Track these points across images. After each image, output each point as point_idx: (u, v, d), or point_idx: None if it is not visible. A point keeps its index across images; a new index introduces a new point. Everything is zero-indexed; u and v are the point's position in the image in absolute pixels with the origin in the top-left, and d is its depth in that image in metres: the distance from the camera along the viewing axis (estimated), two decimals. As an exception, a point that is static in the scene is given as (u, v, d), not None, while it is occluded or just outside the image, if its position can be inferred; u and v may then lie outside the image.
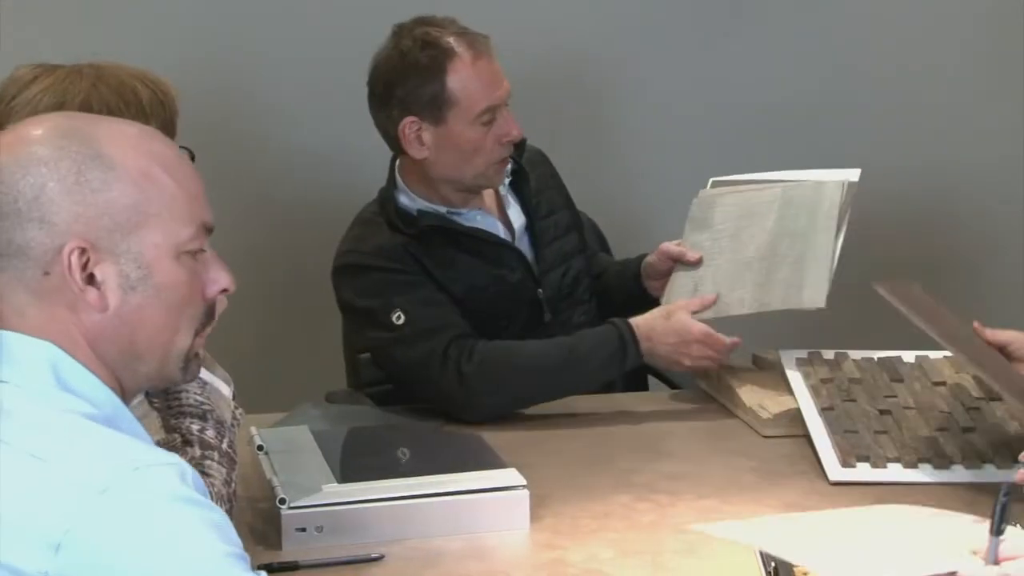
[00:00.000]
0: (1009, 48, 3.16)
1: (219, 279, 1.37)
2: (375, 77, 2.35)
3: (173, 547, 1.18)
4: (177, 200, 1.32)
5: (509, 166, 2.44)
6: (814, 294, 2.21)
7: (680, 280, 2.35)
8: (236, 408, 1.73)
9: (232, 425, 1.70)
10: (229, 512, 1.62)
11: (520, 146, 2.49)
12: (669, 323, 2.23)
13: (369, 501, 1.75)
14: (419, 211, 2.37)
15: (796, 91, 3.15)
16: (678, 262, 2.37)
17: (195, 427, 1.64)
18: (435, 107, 2.29)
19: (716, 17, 3.13)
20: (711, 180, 2.50)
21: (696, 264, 2.34)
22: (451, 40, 2.30)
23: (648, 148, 3.19)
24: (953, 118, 3.17)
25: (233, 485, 1.64)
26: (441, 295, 2.30)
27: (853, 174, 2.36)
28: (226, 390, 1.72)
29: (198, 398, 1.67)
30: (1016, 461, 1.90)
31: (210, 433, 1.65)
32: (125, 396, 1.34)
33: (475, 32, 2.34)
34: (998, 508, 1.37)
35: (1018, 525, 1.38)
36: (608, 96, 3.17)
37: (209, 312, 1.38)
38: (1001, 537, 1.38)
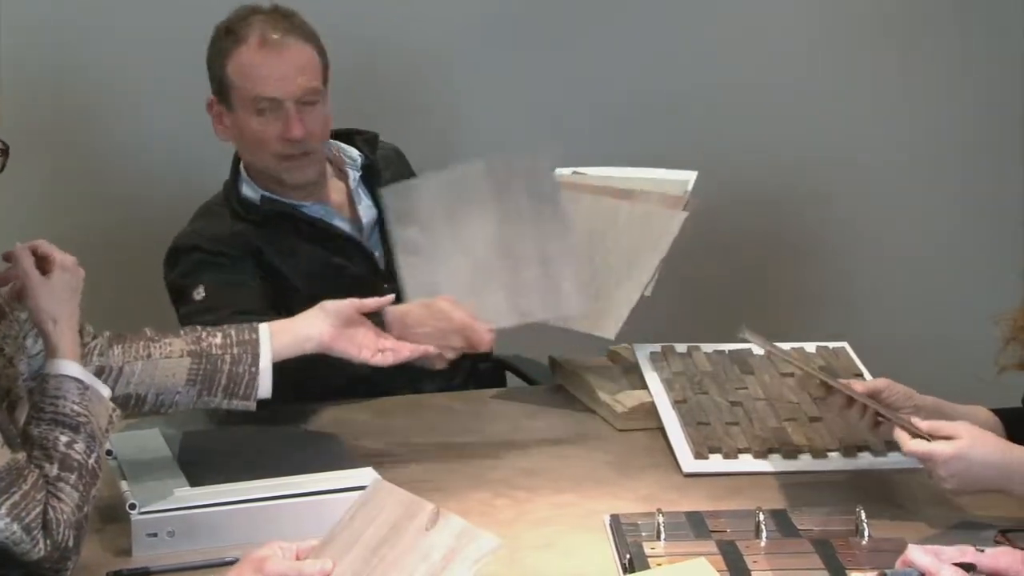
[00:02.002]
0: (854, 49, 3.25)
1: None
2: None
3: None
4: None
5: (360, 160, 2.44)
6: (603, 324, 2.18)
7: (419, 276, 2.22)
8: (113, 410, 1.69)
9: (107, 430, 1.66)
10: (79, 536, 1.58)
11: (373, 142, 2.48)
12: (429, 310, 2.08)
13: (222, 504, 1.72)
14: (262, 197, 2.37)
15: (645, 90, 3.18)
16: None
17: (63, 439, 1.60)
18: (223, 90, 2.33)
19: (566, 14, 3.15)
20: (571, 170, 2.49)
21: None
22: (251, 27, 2.30)
23: (497, 147, 3.19)
24: (799, 116, 3.25)
25: (87, 508, 1.60)
26: (256, 283, 2.28)
27: (690, 175, 2.36)
28: (105, 391, 1.68)
29: (75, 407, 1.62)
30: (860, 450, 1.97)
31: (79, 448, 1.60)
32: None
33: (291, 26, 2.32)
34: None
35: None
36: (458, 95, 3.16)
37: None
38: None
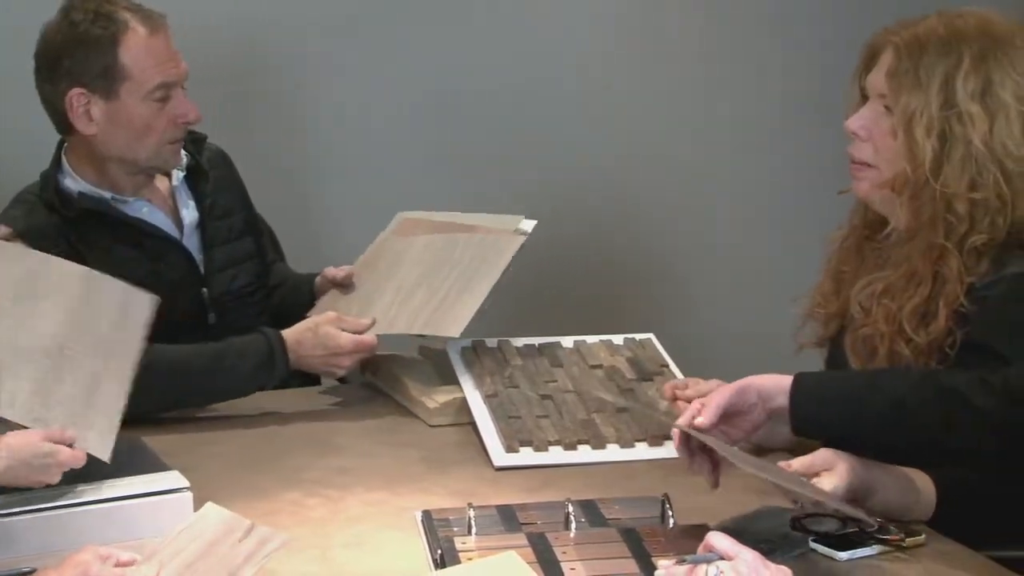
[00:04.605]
0: (660, 48, 3.33)
1: None
2: (43, 49, 2.30)
3: None
4: None
5: (185, 160, 2.40)
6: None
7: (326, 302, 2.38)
8: None
9: None
10: None
11: (200, 143, 2.44)
12: (317, 336, 2.22)
13: (17, 513, 1.66)
14: (80, 193, 2.30)
15: (488, 87, 3.20)
16: (334, 284, 2.40)
17: None
18: (106, 80, 2.26)
19: (408, 10, 3.15)
20: (400, 213, 2.51)
21: (345, 285, 2.37)
22: (126, 14, 2.27)
23: (333, 150, 3.17)
24: (612, 116, 3.31)
25: None
26: None
27: (527, 223, 2.40)
28: None
29: None
30: (665, 439, 2.02)
31: None
32: None
33: (151, 10, 2.31)
34: None
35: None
36: (295, 95, 3.13)
37: None
38: None
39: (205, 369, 2.19)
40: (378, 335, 2.25)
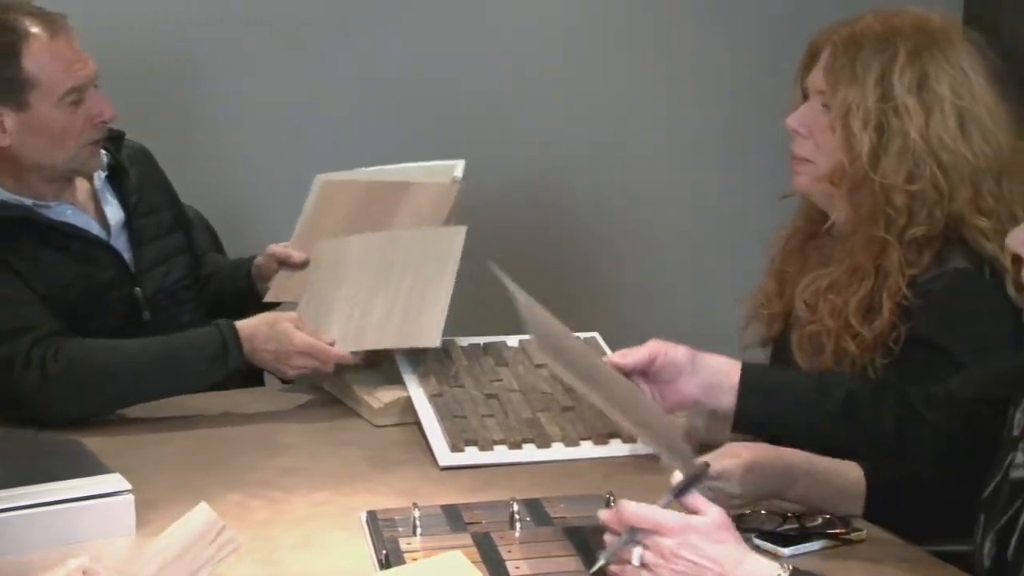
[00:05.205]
0: (614, 47, 3.34)
1: None
2: None
3: None
4: None
5: (106, 159, 2.37)
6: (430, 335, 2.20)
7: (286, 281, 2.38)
8: None
9: None
10: None
11: (118, 141, 2.42)
12: (273, 331, 2.19)
13: (-46, 518, 1.64)
14: (0, 202, 2.26)
15: (406, 85, 3.20)
16: (283, 264, 2.39)
17: None
18: (13, 91, 2.21)
19: (328, 6, 3.13)
20: (318, 177, 2.51)
21: (301, 266, 2.36)
22: (25, 21, 2.22)
23: (254, 141, 3.15)
24: (564, 115, 3.32)
25: None
26: (26, 293, 2.20)
27: (458, 167, 2.41)
28: None
29: None
30: (610, 437, 2.02)
31: None
32: None
33: (51, 12, 2.26)
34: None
35: None
36: (213, 88, 3.11)
37: None
38: None
39: (158, 365, 2.17)
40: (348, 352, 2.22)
